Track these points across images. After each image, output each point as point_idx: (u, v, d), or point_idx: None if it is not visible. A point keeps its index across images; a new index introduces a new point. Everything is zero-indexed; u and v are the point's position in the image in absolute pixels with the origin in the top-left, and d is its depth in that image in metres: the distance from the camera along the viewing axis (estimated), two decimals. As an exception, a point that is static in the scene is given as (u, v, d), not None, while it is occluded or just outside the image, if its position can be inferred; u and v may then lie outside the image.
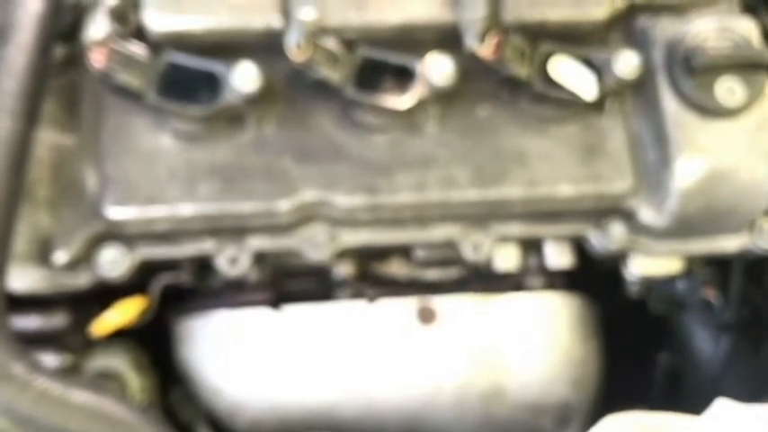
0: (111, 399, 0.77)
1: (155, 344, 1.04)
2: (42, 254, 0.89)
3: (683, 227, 0.95)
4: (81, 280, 0.90)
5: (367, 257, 1.01)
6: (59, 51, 0.91)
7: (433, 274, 1.03)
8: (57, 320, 0.96)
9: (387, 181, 0.92)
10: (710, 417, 0.72)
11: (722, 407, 0.72)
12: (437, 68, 0.88)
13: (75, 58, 0.92)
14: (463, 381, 1.00)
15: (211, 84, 0.87)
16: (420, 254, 1.00)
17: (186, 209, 0.89)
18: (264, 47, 0.89)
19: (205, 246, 0.92)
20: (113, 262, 0.90)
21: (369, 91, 0.89)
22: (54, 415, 0.73)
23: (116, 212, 0.88)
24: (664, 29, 0.95)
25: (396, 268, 1.03)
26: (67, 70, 0.92)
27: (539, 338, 1.02)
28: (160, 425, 0.77)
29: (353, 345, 0.99)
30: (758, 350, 1.10)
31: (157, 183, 0.89)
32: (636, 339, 1.18)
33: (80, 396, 0.74)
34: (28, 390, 0.72)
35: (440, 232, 0.95)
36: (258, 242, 0.93)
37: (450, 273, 1.03)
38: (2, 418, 0.72)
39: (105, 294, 0.96)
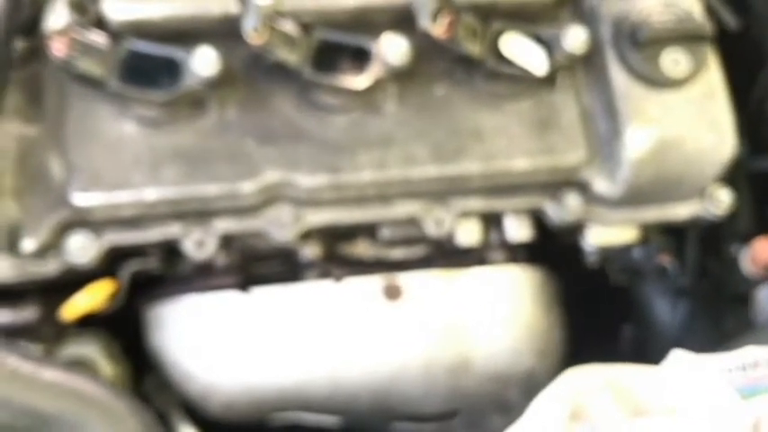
0: (83, 376, 0.78)
1: (127, 332, 1.05)
2: (10, 243, 0.90)
3: (636, 196, 0.99)
4: (50, 267, 0.91)
5: (333, 238, 1.03)
6: (21, 44, 0.93)
7: (398, 253, 1.05)
8: (27, 313, 0.98)
9: (348, 160, 0.94)
10: (667, 366, 0.75)
11: (677, 357, 0.75)
12: (392, 48, 0.90)
13: (37, 51, 0.93)
14: (430, 355, 1.02)
15: (172, 69, 0.89)
16: (385, 233, 1.02)
17: (151, 193, 0.90)
18: (223, 32, 0.91)
19: (171, 230, 0.94)
20: (81, 248, 0.91)
21: (326, 72, 0.91)
22: (26, 393, 0.74)
23: (82, 199, 0.90)
24: (611, 5, 0.99)
25: (362, 248, 1.05)
26: (30, 62, 0.94)
27: (502, 311, 1.04)
28: (134, 402, 0.79)
29: (322, 324, 1.01)
30: (717, 317, 1.14)
31: (122, 169, 0.90)
32: (601, 312, 1.21)
33: (52, 374, 0.76)
34: None
35: (402, 209, 0.98)
36: (224, 225, 0.94)
37: (416, 251, 1.06)
38: (-26, 398, 0.73)
39: (75, 284, 0.97)
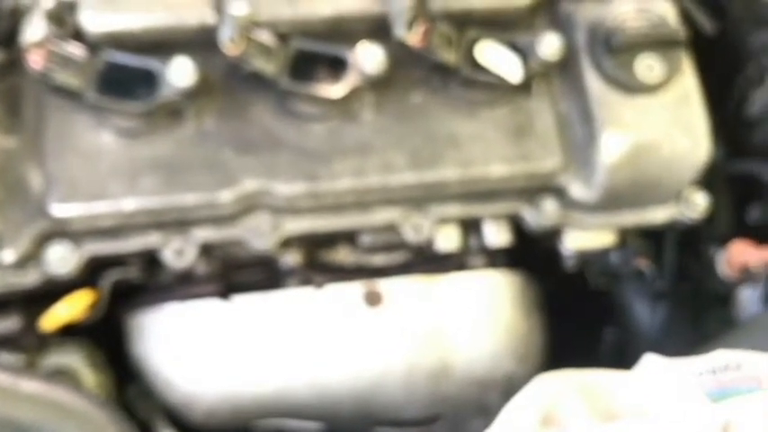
0: (63, 387, 0.78)
1: (110, 341, 1.06)
2: (-11, 255, 0.90)
3: (613, 200, 1.00)
4: (29, 278, 0.92)
5: (313, 246, 1.04)
6: (1, 55, 0.93)
7: (378, 260, 1.06)
8: (8, 323, 0.98)
9: (326, 168, 0.95)
10: (638, 371, 0.75)
11: (650, 361, 0.76)
12: (368, 57, 0.91)
13: (15, 63, 0.94)
14: (411, 360, 1.02)
15: (149, 80, 0.89)
16: (365, 240, 1.03)
17: (129, 203, 0.91)
18: (200, 42, 0.92)
19: (151, 239, 0.94)
20: (61, 259, 0.92)
21: (303, 81, 0.92)
22: (4, 404, 0.75)
23: (61, 210, 0.90)
24: (586, 12, 1.00)
25: (342, 255, 1.06)
26: (8, 75, 0.94)
27: (482, 316, 1.05)
28: (113, 412, 0.79)
29: (303, 331, 1.01)
30: (697, 318, 1.15)
31: (100, 179, 0.91)
32: (582, 316, 1.22)
33: (31, 385, 0.76)
34: (-23, 381, 0.74)
35: (380, 216, 0.98)
36: (203, 233, 0.95)
37: (396, 257, 1.06)
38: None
39: (57, 294, 0.98)
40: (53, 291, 0.96)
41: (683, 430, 0.69)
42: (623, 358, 1.21)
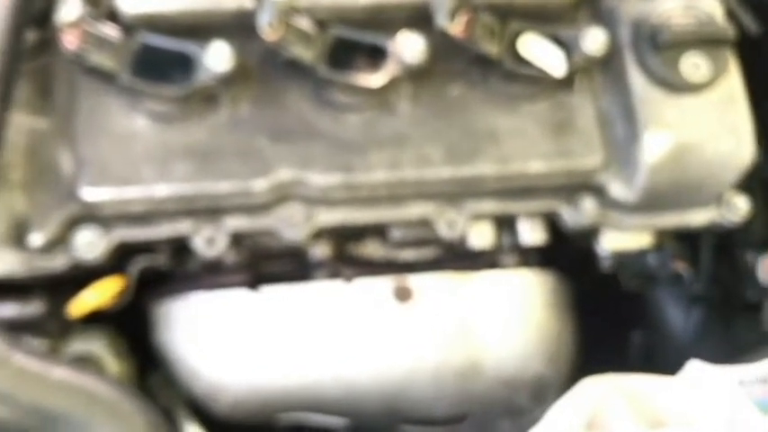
0: (91, 375, 0.77)
1: (132, 330, 1.04)
2: (18, 237, 0.89)
3: (653, 201, 0.97)
4: (57, 262, 0.90)
5: (343, 238, 1.02)
6: (32, 35, 0.91)
7: (408, 254, 1.04)
8: (33, 307, 0.96)
9: (361, 159, 0.93)
10: (684, 377, 0.73)
11: (695, 368, 0.73)
12: (409, 46, 0.89)
13: (48, 43, 0.92)
14: (440, 358, 1.01)
15: (185, 64, 0.87)
16: (395, 234, 1.01)
17: (161, 189, 0.89)
18: (237, 27, 0.90)
19: (181, 227, 0.92)
20: (89, 244, 0.90)
21: (341, 70, 0.90)
22: (33, 391, 0.73)
23: (91, 194, 0.88)
24: (630, 7, 0.97)
25: (371, 249, 1.04)
26: (40, 54, 0.92)
27: (514, 315, 1.03)
28: (141, 400, 0.78)
29: (332, 324, 1.00)
30: (728, 324, 1.13)
31: (132, 164, 0.89)
32: (609, 319, 1.20)
33: (59, 372, 0.75)
34: (6, 366, 0.73)
35: (414, 210, 0.96)
36: (235, 222, 0.93)
37: (425, 252, 1.04)
38: (-22, 395, 0.72)
39: (82, 280, 0.96)
40: (77, 276, 0.95)
41: (731, 440, 0.67)
42: (651, 362, 1.21)
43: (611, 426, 0.68)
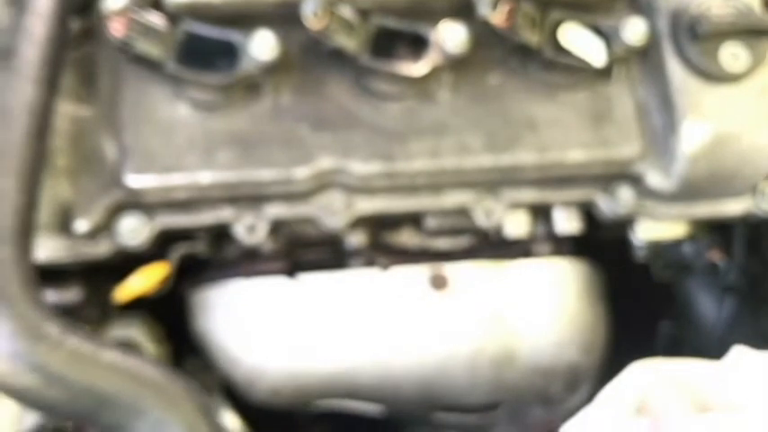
0: (140, 358, 0.78)
1: (165, 317, 1.05)
2: (62, 223, 0.90)
3: (689, 191, 0.98)
4: (101, 249, 0.91)
5: (378, 227, 1.03)
6: (75, 24, 0.92)
7: (443, 243, 1.05)
8: (73, 294, 0.97)
9: (401, 148, 0.93)
10: (729, 363, 0.74)
11: (740, 353, 0.74)
12: (451, 36, 0.90)
13: (91, 32, 0.93)
14: (476, 346, 1.01)
15: (229, 53, 0.88)
16: (431, 222, 1.01)
17: (205, 177, 0.90)
18: (279, 16, 0.90)
19: (223, 214, 0.93)
20: (133, 230, 0.91)
21: (383, 59, 0.91)
22: (85, 373, 0.74)
23: (136, 181, 0.89)
24: None
25: (406, 238, 1.05)
26: (83, 43, 0.93)
27: (549, 304, 1.04)
28: (188, 384, 0.78)
29: (368, 312, 1.01)
30: (758, 316, 1.13)
31: (176, 151, 0.90)
32: (637, 309, 1.20)
33: (111, 355, 0.75)
34: (60, 349, 0.73)
35: (453, 199, 0.97)
36: (275, 210, 0.94)
37: (460, 241, 1.05)
38: (33, 377, 0.72)
39: (120, 267, 0.97)
40: (115, 263, 0.95)
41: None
42: (679, 353, 1.21)
43: (660, 411, 0.68)
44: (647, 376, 0.71)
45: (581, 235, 1.03)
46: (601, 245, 1.07)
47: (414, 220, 1.02)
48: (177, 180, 0.90)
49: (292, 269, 1.01)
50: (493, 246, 1.05)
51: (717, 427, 0.68)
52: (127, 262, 0.97)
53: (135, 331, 1.01)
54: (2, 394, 0.78)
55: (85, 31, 0.93)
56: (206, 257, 1.01)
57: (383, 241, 1.04)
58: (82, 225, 0.89)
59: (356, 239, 1.01)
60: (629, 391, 0.70)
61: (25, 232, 0.76)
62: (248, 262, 1.01)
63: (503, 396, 1.05)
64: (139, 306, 1.02)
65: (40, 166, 0.80)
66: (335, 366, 1.00)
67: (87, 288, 0.98)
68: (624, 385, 0.71)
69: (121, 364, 0.76)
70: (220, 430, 0.78)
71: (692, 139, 0.94)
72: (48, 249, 0.89)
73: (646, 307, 1.22)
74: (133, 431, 0.75)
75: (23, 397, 0.74)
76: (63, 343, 0.73)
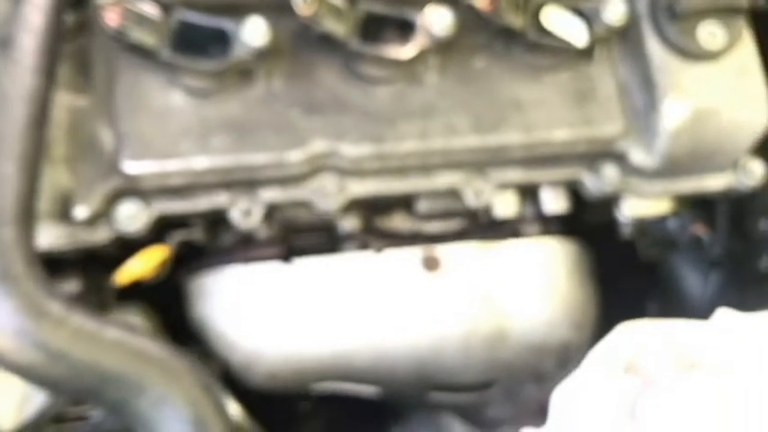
0: (142, 335, 0.79)
1: (162, 307, 1.07)
2: (62, 211, 0.91)
3: (672, 167, 1.01)
4: (100, 235, 0.93)
5: (371, 211, 1.05)
6: (70, 18, 0.94)
7: (434, 226, 1.07)
8: (71, 285, 0.99)
9: (391, 130, 0.96)
10: (715, 323, 0.76)
11: (725, 314, 0.76)
12: (437, 19, 0.92)
13: (85, 25, 0.95)
14: (469, 326, 1.03)
15: (222, 40, 0.90)
16: (422, 206, 1.04)
17: (200, 162, 0.92)
18: (269, 4, 0.92)
19: (219, 199, 0.95)
20: (131, 217, 0.92)
21: (372, 43, 0.93)
22: (88, 350, 0.76)
23: (133, 167, 0.91)
24: None
25: (398, 221, 1.07)
26: (78, 36, 0.95)
27: (539, 282, 1.06)
28: (191, 360, 0.80)
29: (363, 294, 1.02)
30: (743, 289, 1.15)
31: (172, 138, 0.92)
32: (624, 291, 1.22)
33: (114, 333, 0.77)
34: (63, 326, 0.75)
35: (442, 180, 0.99)
36: (270, 194, 0.96)
37: (451, 224, 1.07)
38: (37, 354, 0.74)
39: (117, 256, 0.98)
40: (112, 253, 0.97)
41: None
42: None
43: (649, 368, 0.71)
44: (636, 336, 0.73)
45: (568, 215, 1.06)
46: (587, 226, 1.10)
47: (405, 203, 1.05)
48: (173, 166, 0.92)
49: (287, 254, 1.03)
50: (483, 227, 1.07)
51: (705, 385, 0.70)
52: (124, 251, 0.98)
53: (134, 320, 1.02)
54: (7, 379, 0.80)
55: (80, 23, 0.95)
56: (202, 245, 1.03)
57: (376, 225, 1.06)
58: (81, 212, 0.91)
59: (349, 224, 1.03)
60: (618, 350, 0.72)
61: (27, 214, 0.78)
62: (244, 248, 1.02)
63: (496, 374, 1.08)
64: (137, 295, 1.03)
65: (39, 152, 0.81)
66: (331, 349, 1.02)
67: (86, 278, 1.00)
68: (613, 345, 0.73)
69: (124, 341, 0.78)
70: (222, 407, 0.80)
71: (672, 115, 0.97)
72: (48, 237, 0.91)
73: (631, 289, 1.24)
74: (136, 407, 0.77)
75: (27, 373, 0.76)
76: (66, 320, 0.75)
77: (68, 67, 0.94)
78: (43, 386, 0.81)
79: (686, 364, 0.72)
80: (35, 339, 0.74)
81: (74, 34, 0.95)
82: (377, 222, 1.06)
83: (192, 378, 0.79)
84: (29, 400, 0.91)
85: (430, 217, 1.06)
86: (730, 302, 1.15)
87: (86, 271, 1.00)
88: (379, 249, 1.04)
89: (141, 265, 0.94)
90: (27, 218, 0.78)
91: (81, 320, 0.76)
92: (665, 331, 0.73)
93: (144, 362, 0.77)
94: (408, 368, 1.04)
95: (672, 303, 1.21)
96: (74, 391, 0.78)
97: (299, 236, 1.05)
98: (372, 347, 1.03)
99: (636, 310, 1.24)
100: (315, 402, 1.11)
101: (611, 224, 1.08)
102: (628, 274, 1.21)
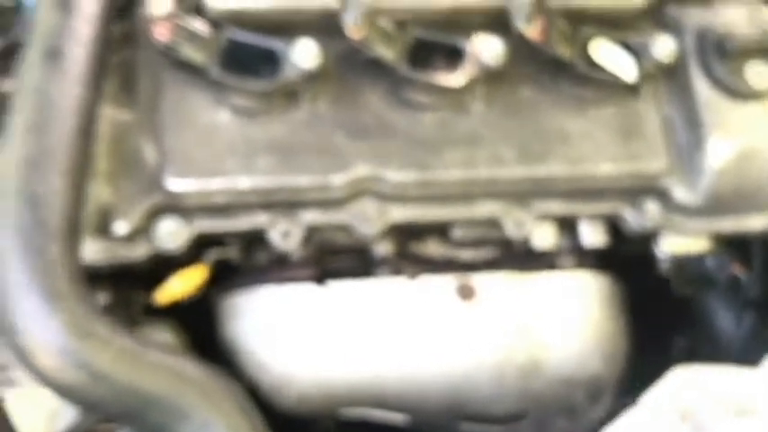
0: (184, 358, 0.78)
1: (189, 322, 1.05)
2: (101, 226, 0.90)
3: (714, 205, 1.00)
4: (138, 252, 0.91)
5: (405, 236, 1.04)
6: (115, 28, 0.93)
7: (468, 254, 1.06)
8: (100, 297, 0.97)
9: (436, 157, 0.95)
10: (764, 370, 0.75)
11: (773, 362, 0.75)
12: (487, 48, 0.92)
13: (130, 36, 0.94)
14: (502, 356, 1.02)
15: (270, 61, 0.90)
16: (457, 233, 1.03)
17: (244, 182, 0.91)
18: (319, 26, 0.92)
19: (259, 219, 0.94)
20: (171, 234, 0.91)
21: (420, 69, 0.92)
22: (133, 372, 0.74)
23: (176, 184, 0.90)
24: (693, 16, 1.01)
25: (432, 247, 1.06)
26: (122, 47, 0.94)
27: (573, 316, 1.05)
28: (233, 386, 0.79)
29: (397, 320, 1.01)
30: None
31: (216, 156, 0.91)
32: (652, 323, 1.21)
33: (157, 355, 0.76)
34: (108, 347, 0.74)
35: (484, 209, 0.98)
36: (310, 216, 0.95)
37: (485, 252, 1.06)
38: (80, 374, 0.73)
39: (148, 273, 0.97)
40: (145, 268, 0.96)
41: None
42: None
43: (704, 415, 0.70)
44: (688, 382, 0.72)
45: (604, 248, 1.05)
46: (619, 257, 1.09)
47: (440, 230, 1.04)
48: (216, 185, 0.91)
49: (321, 276, 1.02)
50: (517, 257, 1.06)
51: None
52: (156, 267, 0.97)
53: (165, 336, 1.01)
54: (37, 394, 0.79)
55: (125, 34, 0.94)
56: (236, 263, 1.02)
57: (410, 251, 1.05)
58: (121, 227, 0.90)
59: (384, 248, 1.02)
60: (673, 397, 0.71)
61: (73, 230, 0.77)
62: (278, 268, 1.01)
63: (528, 406, 1.06)
64: (166, 311, 1.02)
65: (86, 166, 0.81)
66: (363, 374, 1.01)
67: (116, 292, 0.99)
68: (666, 391, 0.72)
69: (168, 364, 0.76)
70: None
71: (717, 154, 0.97)
72: (86, 251, 0.89)
73: (660, 320, 1.23)
74: (178, 432, 0.76)
75: (70, 394, 0.75)
76: (111, 341, 0.74)
77: (112, 80, 0.93)
78: (85, 407, 0.80)
79: (739, 412, 0.72)
80: (79, 359, 0.73)
81: (119, 45, 0.94)
82: (411, 247, 1.05)
83: (233, 403, 0.78)
84: (59, 415, 0.90)
85: (464, 244, 1.05)
86: (765, 342, 1.15)
87: (116, 284, 0.99)
88: (413, 275, 1.03)
89: (181, 286, 0.93)
90: (74, 234, 0.77)
91: (126, 342, 0.75)
92: (717, 378, 0.72)
93: (187, 386, 0.76)
94: (440, 397, 1.03)
95: (702, 340, 1.20)
96: (115, 413, 0.76)
97: (333, 258, 1.04)
98: (404, 375, 1.01)
99: (663, 342, 1.25)
100: (338, 425, 1.09)
101: (642, 255, 1.08)
102: (656, 306, 1.20)
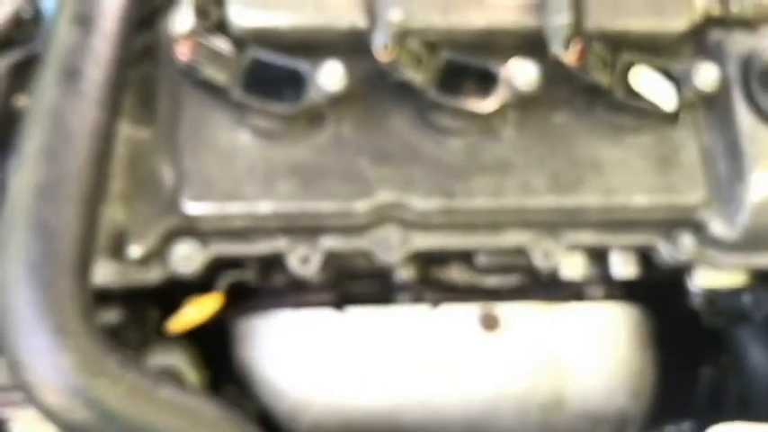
0: (198, 396, 0.75)
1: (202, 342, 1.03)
2: (115, 248, 0.87)
3: (752, 240, 0.96)
4: (152, 275, 0.89)
5: (428, 262, 1.00)
6: (137, 42, 0.90)
7: (492, 281, 1.03)
8: (111, 316, 0.94)
9: (463, 185, 0.91)
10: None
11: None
12: (521, 73, 0.88)
13: (150, 50, 0.91)
14: (525, 389, 0.99)
15: (295, 82, 0.86)
16: (482, 260, 0.99)
17: (264, 206, 0.88)
18: (347, 46, 0.88)
19: (278, 244, 0.91)
20: (187, 257, 0.88)
21: (450, 94, 0.88)
22: (142, 410, 0.72)
23: (193, 208, 0.87)
24: (737, 43, 0.96)
25: (455, 274, 1.03)
26: (143, 62, 0.91)
27: (600, 348, 1.02)
28: (246, 423, 0.76)
29: (417, 349, 0.98)
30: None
31: (236, 179, 0.88)
32: (678, 352, 1.18)
33: (168, 393, 0.73)
34: (118, 384, 0.71)
35: (511, 238, 0.95)
36: (331, 242, 0.92)
37: (510, 280, 1.03)
38: (90, 413, 0.70)
39: (161, 293, 0.94)
40: (159, 289, 0.93)
41: None
42: (723, 401, 1.19)
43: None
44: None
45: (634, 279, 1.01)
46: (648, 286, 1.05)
47: (464, 256, 1.00)
48: (236, 209, 0.87)
49: (340, 301, 0.99)
50: (544, 286, 1.02)
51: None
52: (170, 287, 0.94)
53: (176, 357, 0.98)
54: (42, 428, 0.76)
55: (146, 48, 0.91)
56: (253, 286, 0.99)
57: (432, 276, 1.02)
58: (135, 251, 0.87)
59: (405, 274, 0.99)
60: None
61: (85, 263, 0.74)
62: (296, 292, 0.98)
63: (550, 441, 1.03)
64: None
65: (101, 194, 0.78)
66: (381, 403, 0.98)
67: (128, 311, 0.96)
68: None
69: (179, 402, 0.74)
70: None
71: (760, 188, 0.92)
72: (98, 274, 0.86)
73: (686, 348, 1.19)
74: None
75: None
76: (121, 378, 0.71)
77: (130, 96, 0.90)
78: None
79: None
80: (89, 398, 0.70)
81: (139, 59, 0.90)
82: (433, 273, 1.02)
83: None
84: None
85: (489, 271, 1.02)
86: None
87: (130, 305, 0.96)
88: (435, 303, 1.00)
89: (196, 313, 0.90)
90: (85, 267, 0.74)
91: (136, 379, 0.72)
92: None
93: (196, 423, 0.73)
94: (460, 428, 1.00)
95: (733, 373, 1.16)
96: (125, 452, 0.74)
97: (353, 283, 1.00)
98: (423, 405, 0.98)
99: (689, 372, 1.22)
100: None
101: (671, 284, 1.04)
102: (683, 335, 1.16)
